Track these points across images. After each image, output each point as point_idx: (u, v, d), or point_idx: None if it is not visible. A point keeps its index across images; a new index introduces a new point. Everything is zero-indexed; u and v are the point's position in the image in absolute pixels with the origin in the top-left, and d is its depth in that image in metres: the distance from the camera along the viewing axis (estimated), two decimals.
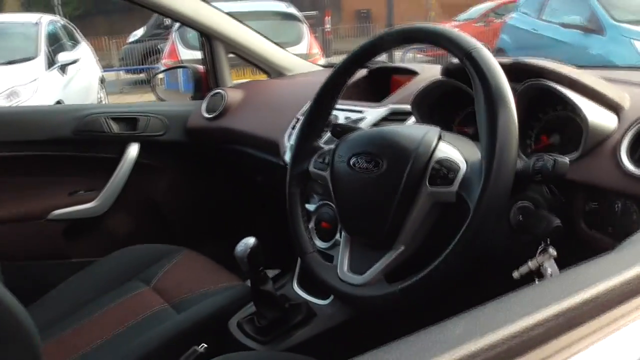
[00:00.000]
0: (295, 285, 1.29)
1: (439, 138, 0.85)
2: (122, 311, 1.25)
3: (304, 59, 1.99)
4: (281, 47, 1.94)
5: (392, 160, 0.85)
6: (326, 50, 9.92)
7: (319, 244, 1.13)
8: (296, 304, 1.17)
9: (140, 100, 7.54)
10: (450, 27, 0.91)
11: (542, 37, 6.41)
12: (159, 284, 1.34)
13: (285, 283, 1.31)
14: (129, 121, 1.76)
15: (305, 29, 6.73)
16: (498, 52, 6.67)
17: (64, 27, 7.17)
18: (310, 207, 1.23)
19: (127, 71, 10.52)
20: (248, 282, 1.24)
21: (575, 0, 6.05)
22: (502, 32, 7.54)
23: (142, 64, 10.21)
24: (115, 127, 1.73)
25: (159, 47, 9.92)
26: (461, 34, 0.83)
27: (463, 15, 10.65)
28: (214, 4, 1.77)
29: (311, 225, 1.17)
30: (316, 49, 6.59)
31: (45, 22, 6.28)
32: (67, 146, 1.71)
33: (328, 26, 11.51)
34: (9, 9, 13.39)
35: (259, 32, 1.85)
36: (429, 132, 0.86)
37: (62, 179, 1.75)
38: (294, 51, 2.05)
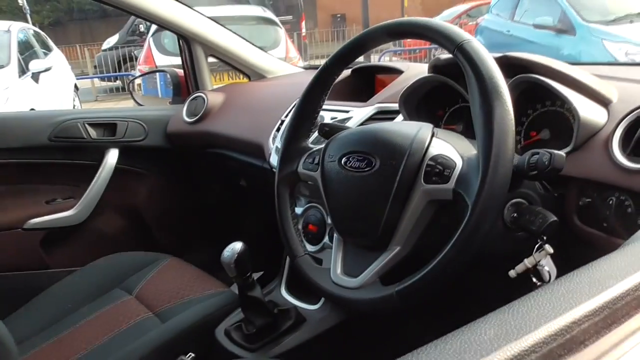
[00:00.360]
0: (284, 290, 1.27)
1: (432, 135, 0.84)
2: (104, 321, 1.21)
3: None
4: (261, 49, 1.91)
5: (385, 158, 0.83)
6: (303, 55, 9.93)
7: (307, 247, 1.11)
8: (285, 309, 1.15)
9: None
10: None
11: (515, 38, 6.52)
12: (142, 292, 1.30)
13: (273, 288, 1.28)
14: (107, 127, 1.72)
15: (282, 33, 6.72)
16: None
17: (36, 34, 7.05)
18: (297, 209, 1.21)
19: (102, 78, 10.38)
20: (234, 288, 1.21)
21: (545, 1, 6.15)
22: (476, 34, 7.63)
23: (117, 71, 10.08)
24: (93, 133, 1.69)
25: (133, 53, 9.81)
26: (451, 27, 0.81)
27: (436, 19, 10.77)
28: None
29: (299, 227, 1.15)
30: (294, 53, 6.59)
31: (16, 29, 6.16)
32: (43, 153, 1.66)
33: (304, 30, 11.53)
34: None
35: (238, 35, 1.83)
36: (422, 129, 0.84)
37: (39, 186, 1.70)
38: None
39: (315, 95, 1.00)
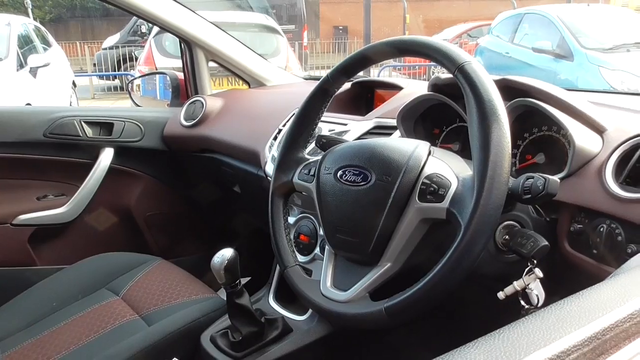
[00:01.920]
0: (272, 299, 1.26)
1: (429, 153, 0.84)
2: (89, 322, 1.20)
3: None
4: (262, 57, 1.92)
5: (381, 173, 0.83)
6: (303, 65, 9.96)
7: (298, 257, 1.11)
8: (272, 318, 1.14)
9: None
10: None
11: (513, 60, 6.59)
12: (129, 294, 1.29)
13: (262, 297, 1.28)
14: (103, 125, 1.71)
15: (283, 42, 6.75)
16: None
17: (36, 29, 7.03)
18: (290, 219, 1.20)
19: (101, 77, 10.36)
20: (222, 294, 1.21)
21: (545, 26, 6.23)
22: (475, 54, 7.70)
23: (116, 70, 10.07)
24: (89, 131, 1.68)
25: (134, 53, 9.81)
26: (453, 47, 0.82)
27: (437, 36, 10.86)
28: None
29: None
30: (294, 62, 6.61)
31: (17, 23, 6.14)
32: (37, 149, 1.65)
33: (305, 40, 11.58)
34: None
35: (240, 42, 1.83)
36: (419, 147, 0.85)
37: (31, 182, 1.69)
38: None
39: (315, 106, 1.00)
